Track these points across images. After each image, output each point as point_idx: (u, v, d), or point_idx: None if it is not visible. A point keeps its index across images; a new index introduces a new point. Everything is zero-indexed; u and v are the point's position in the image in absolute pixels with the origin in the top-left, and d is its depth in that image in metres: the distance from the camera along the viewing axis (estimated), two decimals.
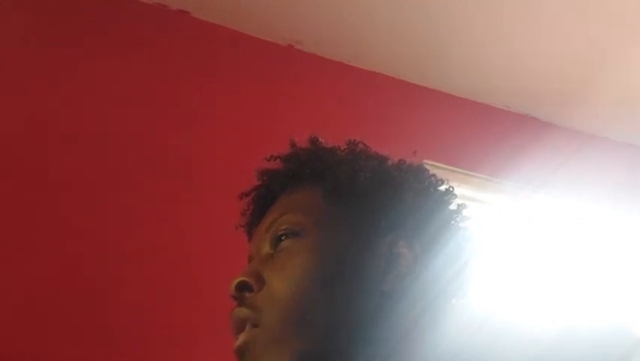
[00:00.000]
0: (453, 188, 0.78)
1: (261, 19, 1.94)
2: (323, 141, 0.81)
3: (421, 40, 2.02)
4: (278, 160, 0.80)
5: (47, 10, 1.76)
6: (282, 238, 0.71)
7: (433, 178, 0.78)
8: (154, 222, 1.67)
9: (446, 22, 1.95)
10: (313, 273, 0.68)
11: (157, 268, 1.62)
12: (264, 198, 0.79)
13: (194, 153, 1.77)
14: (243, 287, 0.69)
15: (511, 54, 2.08)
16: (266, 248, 0.73)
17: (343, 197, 0.72)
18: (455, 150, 2.14)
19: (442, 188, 0.78)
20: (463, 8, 1.89)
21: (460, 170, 2.09)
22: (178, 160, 1.75)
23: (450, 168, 2.03)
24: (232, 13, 1.92)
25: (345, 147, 0.80)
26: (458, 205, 0.77)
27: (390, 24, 1.95)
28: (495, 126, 2.28)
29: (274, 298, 0.67)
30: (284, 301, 0.67)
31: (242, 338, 0.68)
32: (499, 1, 1.87)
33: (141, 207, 1.67)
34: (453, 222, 0.75)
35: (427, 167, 0.81)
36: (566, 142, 2.33)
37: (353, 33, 2.00)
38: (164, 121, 1.78)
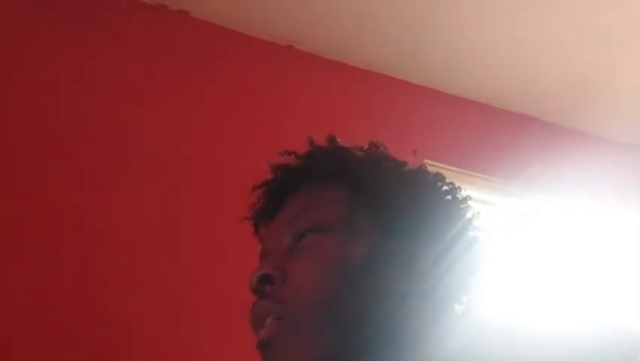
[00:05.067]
0: (470, 197, 0.79)
1: (261, 19, 1.94)
2: (335, 140, 0.81)
3: (421, 40, 2.01)
4: (292, 156, 0.80)
5: (47, 10, 1.75)
6: (306, 232, 0.71)
7: (452, 185, 0.79)
8: (153, 222, 1.67)
9: (447, 22, 1.95)
10: (340, 269, 0.68)
11: (157, 269, 1.62)
12: (278, 192, 0.79)
13: (194, 153, 1.77)
14: (265, 280, 0.69)
15: (512, 54, 2.08)
16: (286, 241, 0.72)
17: (368, 198, 0.73)
18: (455, 150, 2.14)
19: (460, 196, 0.79)
20: (465, 9, 1.89)
21: (459, 170, 2.09)
22: (178, 160, 1.75)
23: (450, 168, 2.02)
24: (232, 13, 1.92)
25: (367, 148, 0.80)
26: (474, 214, 0.78)
27: (391, 24, 1.95)
28: (495, 126, 2.28)
29: (301, 292, 0.67)
30: (311, 294, 0.67)
31: (266, 331, 0.67)
32: (500, 2, 1.86)
33: (141, 207, 1.67)
34: (470, 228, 0.76)
35: (427, 167, 0.81)
36: (566, 142, 2.33)
37: (353, 33, 2.00)
38: (163, 121, 1.78)
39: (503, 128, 2.28)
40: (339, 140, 0.81)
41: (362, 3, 1.88)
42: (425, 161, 0.82)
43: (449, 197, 0.78)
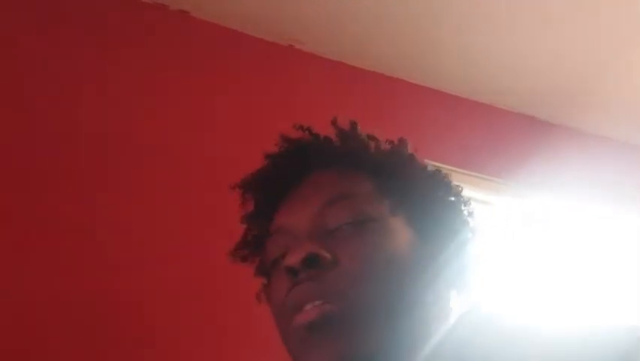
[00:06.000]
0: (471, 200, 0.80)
1: (261, 19, 1.94)
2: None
3: (422, 40, 2.02)
4: (309, 133, 0.80)
5: (46, 9, 1.76)
6: (350, 222, 0.68)
7: (458, 186, 0.80)
8: (154, 221, 1.67)
9: (448, 22, 1.95)
10: (392, 264, 0.67)
11: (157, 267, 1.62)
12: (290, 167, 0.77)
13: (194, 153, 1.77)
14: (313, 261, 0.64)
15: (513, 54, 2.08)
16: (320, 225, 0.69)
17: (403, 199, 0.72)
18: (455, 150, 2.14)
19: (468, 200, 0.80)
20: (466, 9, 1.89)
21: (459, 170, 2.09)
22: (178, 161, 1.75)
23: (450, 168, 2.02)
24: (232, 13, 1.92)
25: (397, 145, 0.80)
26: (477, 218, 0.79)
27: (392, 24, 1.95)
28: (496, 127, 2.28)
29: (355, 280, 0.64)
30: (368, 285, 0.64)
31: (317, 311, 0.63)
32: (500, 2, 1.87)
33: (142, 206, 1.67)
34: (472, 224, 0.77)
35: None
36: (566, 142, 2.33)
37: (354, 33, 2.00)
38: (163, 121, 1.78)
39: (504, 128, 2.28)
40: (359, 127, 0.81)
41: (362, 3, 1.88)
42: (425, 161, 0.83)
43: (464, 203, 0.78)
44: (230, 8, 1.90)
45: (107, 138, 1.70)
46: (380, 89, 2.13)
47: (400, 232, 0.70)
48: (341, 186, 0.72)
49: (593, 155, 2.32)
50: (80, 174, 1.65)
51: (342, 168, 0.74)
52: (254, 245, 0.80)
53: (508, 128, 2.29)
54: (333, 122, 0.80)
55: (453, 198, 0.77)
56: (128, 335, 1.54)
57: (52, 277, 1.53)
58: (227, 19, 1.93)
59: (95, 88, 1.74)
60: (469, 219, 0.77)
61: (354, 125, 0.80)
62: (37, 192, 1.59)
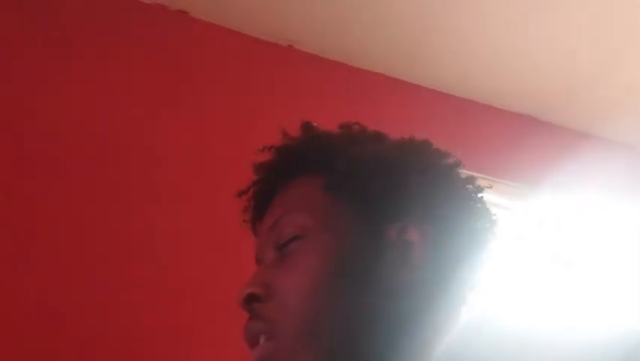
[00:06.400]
0: (460, 161, 0.72)
1: (261, 19, 1.94)
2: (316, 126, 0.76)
3: (422, 40, 2.01)
4: (272, 152, 0.75)
5: (46, 9, 1.75)
6: (288, 242, 0.66)
7: (437, 153, 0.72)
8: (154, 221, 1.67)
9: (447, 22, 1.94)
10: (324, 277, 0.63)
11: (157, 266, 1.62)
12: (264, 192, 0.74)
13: (194, 153, 1.77)
14: (251, 299, 0.65)
15: (512, 53, 2.08)
16: (270, 253, 0.68)
17: (345, 187, 0.66)
18: (455, 150, 2.13)
19: (449, 161, 0.72)
20: (466, 9, 1.89)
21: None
22: (177, 161, 1.75)
23: None
24: (232, 13, 1.92)
25: (341, 130, 0.75)
26: (468, 178, 0.71)
27: (392, 24, 1.95)
28: (493, 126, 2.27)
29: (285, 308, 0.62)
30: (296, 309, 0.62)
31: (258, 352, 0.63)
32: (502, 2, 1.87)
33: (141, 205, 1.67)
34: (464, 195, 0.70)
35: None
36: (565, 142, 2.33)
37: (354, 33, 2.00)
38: (163, 121, 1.78)
39: (501, 127, 2.28)
40: (314, 125, 0.76)
41: (362, 3, 1.88)
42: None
43: (437, 166, 0.70)
44: (230, 8, 1.90)
45: (106, 138, 1.70)
46: (381, 89, 2.12)
47: (347, 232, 0.65)
48: (283, 202, 0.69)
49: (588, 154, 2.31)
50: (79, 173, 1.65)
51: (292, 182, 0.70)
52: None
53: (503, 127, 2.28)
54: (284, 133, 0.76)
55: (423, 170, 0.68)
56: (128, 334, 1.53)
57: (52, 276, 1.53)
58: (227, 19, 1.93)
59: (95, 88, 1.74)
60: (460, 194, 0.69)
61: (305, 126, 0.76)
62: (36, 192, 1.59)
